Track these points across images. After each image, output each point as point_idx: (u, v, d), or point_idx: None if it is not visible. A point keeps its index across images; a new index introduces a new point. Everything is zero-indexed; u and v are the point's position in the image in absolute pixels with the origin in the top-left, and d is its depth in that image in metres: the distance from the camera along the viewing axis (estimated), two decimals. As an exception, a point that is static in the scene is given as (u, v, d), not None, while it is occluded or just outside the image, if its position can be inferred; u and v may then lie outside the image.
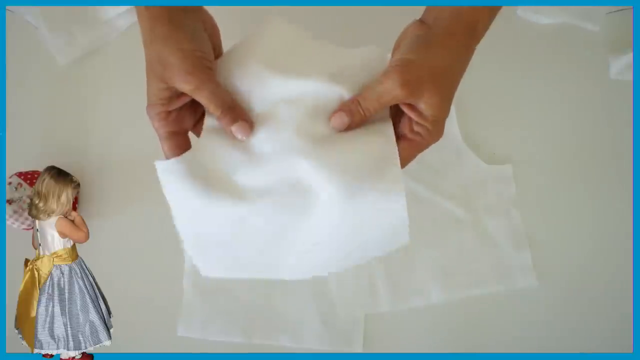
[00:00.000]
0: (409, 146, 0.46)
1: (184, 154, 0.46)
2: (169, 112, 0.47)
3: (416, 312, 0.58)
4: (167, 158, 0.47)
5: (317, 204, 0.43)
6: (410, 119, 0.45)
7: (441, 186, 0.61)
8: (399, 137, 0.45)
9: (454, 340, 0.58)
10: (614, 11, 0.66)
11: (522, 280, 0.58)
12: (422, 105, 0.44)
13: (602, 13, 0.66)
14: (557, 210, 0.61)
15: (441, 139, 0.61)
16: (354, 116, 0.44)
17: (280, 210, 0.44)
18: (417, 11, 0.68)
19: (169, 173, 0.44)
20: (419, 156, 0.47)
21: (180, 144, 0.48)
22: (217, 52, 0.49)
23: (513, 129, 0.64)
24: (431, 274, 0.58)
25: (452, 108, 0.63)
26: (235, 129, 0.45)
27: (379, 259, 0.59)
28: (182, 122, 0.48)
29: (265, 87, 0.46)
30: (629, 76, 0.64)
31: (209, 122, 0.46)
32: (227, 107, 0.45)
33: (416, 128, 0.45)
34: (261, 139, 0.45)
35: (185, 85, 0.44)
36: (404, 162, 0.44)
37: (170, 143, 0.48)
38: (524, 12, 0.67)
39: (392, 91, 0.43)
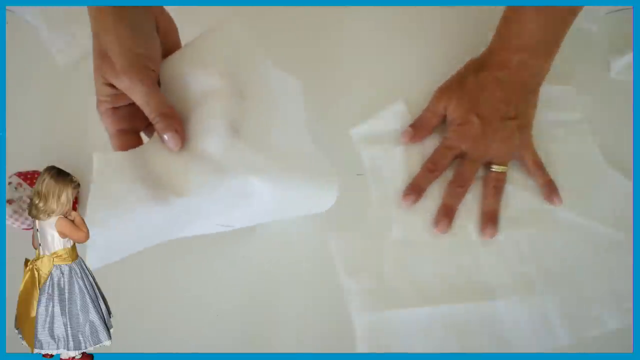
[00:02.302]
0: (441, 147, 0.60)
1: (128, 151, 0.43)
2: (117, 109, 0.44)
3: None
4: None
5: (252, 203, 0.44)
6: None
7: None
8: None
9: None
10: (614, 11, 0.66)
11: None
12: (448, 115, 0.60)
13: (601, 13, 0.66)
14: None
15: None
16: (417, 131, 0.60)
17: (212, 208, 0.44)
18: (417, 11, 0.68)
19: (106, 165, 0.42)
20: (560, 183, 0.60)
21: (130, 143, 0.45)
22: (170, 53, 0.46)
23: (513, 129, 0.64)
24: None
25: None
26: (168, 137, 0.42)
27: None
28: (133, 120, 0.45)
29: (211, 92, 0.44)
30: (629, 76, 0.64)
31: None
32: (161, 112, 0.42)
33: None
34: (207, 144, 0.43)
35: (118, 82, 0.41)
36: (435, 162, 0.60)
37: (118, 141, 0.45)
38: (524, 12, 0.67)
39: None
